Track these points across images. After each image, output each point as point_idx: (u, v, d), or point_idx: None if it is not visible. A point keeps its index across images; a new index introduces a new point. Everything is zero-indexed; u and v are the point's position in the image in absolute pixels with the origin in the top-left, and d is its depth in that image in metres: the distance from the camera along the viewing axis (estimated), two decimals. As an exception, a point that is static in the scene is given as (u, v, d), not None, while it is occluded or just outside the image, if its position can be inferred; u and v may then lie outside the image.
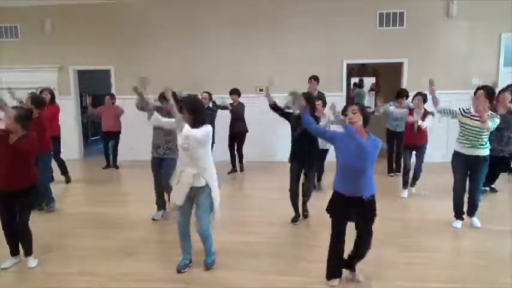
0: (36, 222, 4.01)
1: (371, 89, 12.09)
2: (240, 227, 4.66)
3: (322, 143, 5.86)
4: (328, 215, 3.21)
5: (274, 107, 4.88)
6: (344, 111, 3.14)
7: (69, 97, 8.99)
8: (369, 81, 11.66)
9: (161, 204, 4.98)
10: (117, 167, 8.13)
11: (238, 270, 3.57)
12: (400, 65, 8.12)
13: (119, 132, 8.14)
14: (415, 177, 5.84)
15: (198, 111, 3.39)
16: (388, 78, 9.57)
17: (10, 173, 3.49)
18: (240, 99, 7.55)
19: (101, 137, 8.24)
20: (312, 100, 4.56)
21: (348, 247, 3.24)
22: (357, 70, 9.98)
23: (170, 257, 3.74)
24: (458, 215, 4.53)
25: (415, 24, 7.83)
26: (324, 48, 8.11)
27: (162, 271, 3.57)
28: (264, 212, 5.19)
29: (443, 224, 4.57)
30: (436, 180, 6.17)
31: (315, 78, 6.82)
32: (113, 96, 8.18)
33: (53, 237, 4.41)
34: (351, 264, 3.31)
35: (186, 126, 3.30)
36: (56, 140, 6.36)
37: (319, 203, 4.77)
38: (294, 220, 4.73)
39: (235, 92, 7.37)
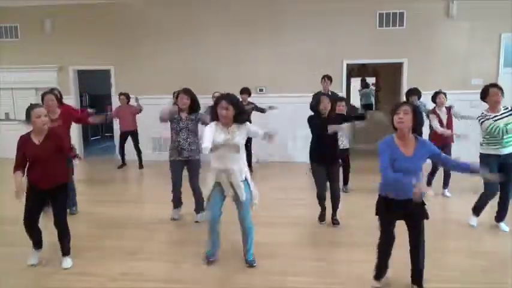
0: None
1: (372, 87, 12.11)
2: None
3: (342, 142, 5.65)
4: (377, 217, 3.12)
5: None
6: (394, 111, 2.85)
7: (69, 97, 8.97)
8: (368, 81, 11.68)
9: (178, 203, 4.91)
10: (141, 167, 8.09)
11: (242, 270, 3.57)
12: (400, 65, 8.13)
13: (136, 131, 8.08)
14: (448, 178, 5.66)
15: (241, 110, 3.46)
16: (388, 79, 9.58)
17: (54, 169, 3.50)
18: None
19: (119, 138, 8.20)
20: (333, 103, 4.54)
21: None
22: (357, 70, 9.99)
23: (170, 257, 3.74)
24: (478, 213, 4.44)
25: (415, 24, 7.84)
26: (324, 48, 8.11)
27: (162, 271, 3.57)
28: (270, 212, 5.17)
29: (443, 225, 4.57)
30: (437, 181, 6.14)
31: (328, 78, 6.77)
32: (127, 96, 8.14)
33: (53, 237, 4.40)
34: (415, 281, 3.12)
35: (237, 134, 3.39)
36: None
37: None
38: (321, 218, 4.65)
39: (245, 92, 7.28)
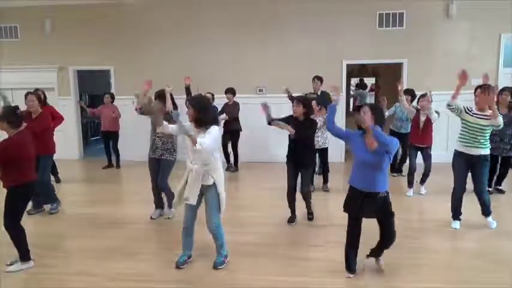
0: (36, 222, 4.01)
1: (370, 90, 12.12)
2: (240, 227, 4.66)
3: (322, 142, 5.89)
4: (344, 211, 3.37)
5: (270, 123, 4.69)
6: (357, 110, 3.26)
7: (69, 97, 9.00)
8: (368, 81, 11.68)
9: (159, 203, 5.02)
10: (118, 167, 8.17)
11: (238, 270, 3.57)
12: (400, 65, 8.13)
13: (117, 132, 8.15)
14: (425, 176, 5.83)
15: (203, 110, 3.38)
16: (387, 79, 9.58)
17: None
18: (240, 100, 7.56)
19: (101, 137, 8.27)
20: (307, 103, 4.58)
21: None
22: (356, 70, 9.99)
23: (170, 257, 3.74)
24: (456, 215, 4.52)
25: (415, 24, 7.84)
26: (324, 49, 8.11)
27: (162, 271, 3.57)
28: (264, 212, 5.19)
29: (444, 225, 4.57)
30: (438, 181, 6.15)
31: (318, 78, 6.88)
32: (111, 96, 8.18)
33: (52, 237, 4.41)
34: (375, 254, 3.45)
35: (197, 138, 3.27)
36: None
37: (322, 203, 4.79)
38: (290, 221, 4.73)
39: (230, 91, 7.43)
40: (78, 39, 8.70)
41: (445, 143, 7.54)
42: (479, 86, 4.38)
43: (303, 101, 4.51)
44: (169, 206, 4.93)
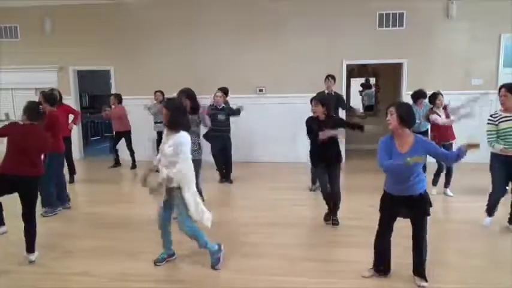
0: (36, 222, 4.01)
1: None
2: (241, 228, 4.66)
3: None
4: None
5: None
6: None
7: (69, 97, 8.98)
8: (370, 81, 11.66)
9: None
10: (134, 167, 8.15)
11: (239, 270, 3.57)
12: (400, 65, 8.13)
13: (129, 131, 8.11)
14: (450, 177, 5.68)
15: (176, 113, 3.40)
16: (387, 79, 9.58)
17: None
18: (240, 100, 7.55)
19: (114, 138, 8.41)
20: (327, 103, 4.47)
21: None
22: (356, 70, 9.98)
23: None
24: (491, 213, 4.42)
25: (415, 24, 7.84)
26: (324, 49, 8.11)
27: (162, 271, 3.57)
28: (265, 212, 5.19)
29: (444, 225, 4.58)
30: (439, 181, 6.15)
31: (332, 77, 6.71)
32: (116, 97, 8.15)
33: (53, 237, 4.41)
34: (416, 272, 3.25)
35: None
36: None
37: (322, 203, 4.78)
38: (327, 218, 4.65)
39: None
40: (78, 39, 8.70)
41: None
42: (504, 86, 4.17)
43: (321, 100, 4.43)
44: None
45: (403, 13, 7.88)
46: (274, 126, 8.28)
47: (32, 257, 3.74)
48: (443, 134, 5.53)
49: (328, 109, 4.43)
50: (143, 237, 4.40)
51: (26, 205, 3.73)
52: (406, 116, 2.99)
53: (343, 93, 8.23)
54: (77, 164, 7.26)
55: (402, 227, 3.23)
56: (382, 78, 10.02)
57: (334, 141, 4.46)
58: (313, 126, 4.40)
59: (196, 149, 4.65)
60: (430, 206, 3.13)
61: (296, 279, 3.40)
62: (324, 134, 4.26)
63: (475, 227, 4.47)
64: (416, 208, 3.09)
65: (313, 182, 6.03)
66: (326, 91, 6.64)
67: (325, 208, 4.72)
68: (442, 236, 4.29)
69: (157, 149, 4.07)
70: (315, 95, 4.69)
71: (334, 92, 6.75)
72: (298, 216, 4.94)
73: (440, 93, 5.65)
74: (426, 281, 3.17)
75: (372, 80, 10.56)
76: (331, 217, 4.64)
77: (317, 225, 4.66)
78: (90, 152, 9.94)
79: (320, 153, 4.47)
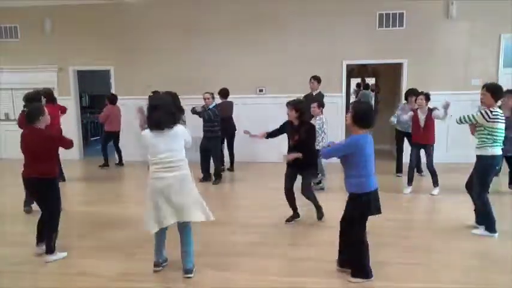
0: (35, 222, 4.01)
1: (371, 90, 12.09)
2: (240, 228, 4.66)
3: (318, 143, 5.77)
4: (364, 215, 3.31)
5: (271, 135, 4.96)
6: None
7: (69, 97, 8.99)
8: (368, 81, 11.67)
9: None
10: (122, 164, 8.37)
11: (238, 270, 3.57)
12: (400, 65, 8.13)
13: (118, 132, 8.31)
14: (433, 177, 5.76)
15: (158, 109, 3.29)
16: (387, 79, 9.58)
17: None
18: (240, 100, 7.57)
19: (104, 138, 8.57)
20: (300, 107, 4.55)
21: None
22: (356, 70, 9.98)
23: (170, 257, 3.74)
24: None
25: (415, 24, 7.84)
26: (324, 49, 8.11)
27: (162, 271, 3.57)
28: (264, 212, 5.19)
29: (443, 224, 4.58)
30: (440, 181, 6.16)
31: (314, 78, 6.84)
32: (108, 98, 8.30)
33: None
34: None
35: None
36: None
37: (322, 204, 4.79)
38: (288, 220, 4.72)
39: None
40: (78, 39, 8.70)
41: (444, 143, 7.52)
42: (485, 85, 4.23)
43: (295, 105, 4.49)
44: None
45: (403, 13, 7.87)
46: (274, 126, 8.25)
47: (49, 258, 3.77)
48: (421, 134, 5.77)
49: (301, 115, 4.50)
50: (143, 237, 4.39)
51: (39, 206, 3.91)
52: (359, 116, 3.15)
53: (343, 94, 8.25)
54: (76, 164, 7.27)
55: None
56: (382, 78, 10.02)
57: (307, 147, 4.52)
58: (286, 129, 4.60)
59: None
60: (355, 208, 3.26)
61: (296, 279, 3.40)
62: (288, 157, 4.52)
63: (475, 226, 4.47)
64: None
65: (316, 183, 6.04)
66: (314, 93, 6.70)
67: (325, 208, 4.73)
68: (441, 237, 4.29)
69: None
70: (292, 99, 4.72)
71: (316, 94, 6.76)
72: (299, 217, 4.93)
73: (424, 94, 5.77)
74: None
75: (371, 80, 10.56)
76: (292, 218, 4.73)
77: (317, 225, 4.66)
78: (90, 152, 9.94)
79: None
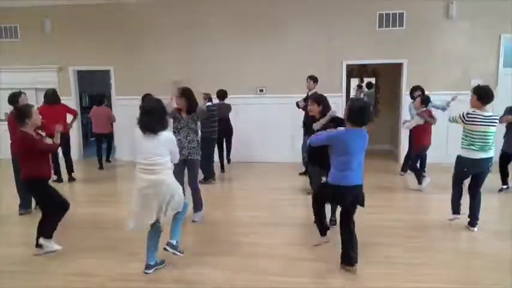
0: (35, 222, 4.02)
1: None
2: (241, 228, 4.66)
3: None
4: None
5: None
6: None
7: (69, 97, 8.98)
8: (368, 81, 11.62)
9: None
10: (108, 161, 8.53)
11: (238, 270, 3.57)
12: (400, 65, 8.13)
13: (109, 134, 8.42)
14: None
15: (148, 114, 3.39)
16: (387, 79, 9.58)
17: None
18: (240, 100, 7.56)
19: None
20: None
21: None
22: (356, 71, 9.97)
23: (170, 257, 3.74)
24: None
25: (415, 24, 7.84)
26: (324, 49, 8.11)
27: (162, 271, 3.57)
28: (264, 212, 5.19)
29: (444, 225, 4.57)
30: (438, 181, 6.16)
31: (311, 78, 6.82)
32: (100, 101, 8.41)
33: (52, 237, 4.40)
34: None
35: None
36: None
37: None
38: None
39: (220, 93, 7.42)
40: (78, 39, 8.70)
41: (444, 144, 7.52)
42: (473, 88, 4.43)
43: (317, 99, 4.46)
44: (196, 209, 4.78)
45: (403, 13, 7.87)
46: (274, 127, 8.28)
47: (43, 247, 3.85)
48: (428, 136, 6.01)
49: (324, 109, 4.41)
50: (143, 237, 4.38)
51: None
52: (351, 113, 3.30)
53: (343, 94, 8.25)
54: (76, 164, 7.26)
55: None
56: (382, 78, 10.02)
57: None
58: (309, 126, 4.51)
59: (195, 147, 4.66)
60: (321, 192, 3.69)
61: (295, 279, 3.40)
62: (315, 126, 4.35)
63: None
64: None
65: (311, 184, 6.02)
66: (309, 93, 6.71)
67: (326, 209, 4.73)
68: (441, 237, 4.29)
69: None
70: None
71: (312, 94, 6.71)
72: (298, 216, 4.94)
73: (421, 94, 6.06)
74: None
75: (370, 80, 10.52)
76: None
77: (315, 225, 4.65)
78: (90, 152, 9.93)
79: (317, 156, 4.38)
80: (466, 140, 4.22)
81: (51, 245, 3.85)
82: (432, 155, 6.59)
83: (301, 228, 4.62)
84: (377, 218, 4.64)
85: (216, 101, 7.26)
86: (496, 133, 4.25)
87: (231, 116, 7.45)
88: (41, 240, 3.83)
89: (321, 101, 4.45)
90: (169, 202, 3.39)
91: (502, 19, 7.53)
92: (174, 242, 3.54)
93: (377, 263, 3.58)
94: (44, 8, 8.71)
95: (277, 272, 3.53)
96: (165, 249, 3.51)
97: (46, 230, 3.86)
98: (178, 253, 3.56)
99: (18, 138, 3.81)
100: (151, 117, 3.34)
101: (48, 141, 3.98)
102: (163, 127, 3.39)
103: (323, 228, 3.87)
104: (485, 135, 4.14)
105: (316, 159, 4.50)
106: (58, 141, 4.07)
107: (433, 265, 3.59)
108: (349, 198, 3.37)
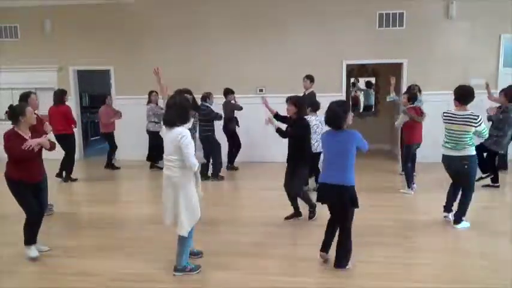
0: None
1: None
2: (240, 227, 4.66)
3: (314, 147, 5.74)
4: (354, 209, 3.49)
5: (278, 116, 5.07)
6: None
7: (69, 97, 8.96)
8: (367, 81, 11.62)
9: None
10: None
11: (238, 270, 3.57)
12: (400, 65, 8.13)
13: (110, 134, 8.23)
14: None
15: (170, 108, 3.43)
16: (387, 79, 9.56)
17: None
18: (240, 100, 7.56)
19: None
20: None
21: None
22: (356, 70, 9.97)
23: (170, 257, 3.74)
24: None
25: (415, 24, 7.84)
26: (324, 49, 8.12)
27: (162, 271, 3.57)
28: (264, 212, 5.19)
29: (444, 225, 4.57)
30: (434, 180, 6.17)
31: (307, 77, 6.83)
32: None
33: (52, 237, 4.41)
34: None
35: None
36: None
37: (318, 204, 4.79)
38: (287, 217, 4.78)
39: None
40: (78, 39, 8.70)
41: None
42: None
43: (294, 101, 4.56)
44: None
45: (403, 13, 7.88)
46: (274, 126, 8.26)
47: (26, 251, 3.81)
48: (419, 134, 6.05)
49: (299, 111, 4.55)
50: (143, 237, 4.40)
51: None
52: (328, 117, 3.46)
53: (343, 93, 8.24)
54: (76, 164, 7.26)
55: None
56: (382, 78, 10.01)
57: (299, 144, 4.58)
58: (287, 123, 4.71)
59: None
60: None
61: (295, 279, 3.40)
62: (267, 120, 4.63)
63: (475, 227, 4.47)
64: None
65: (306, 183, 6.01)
66: (306, 92, 6.70)
67: (324, 207, 4.73)
68: (442, 237, 4.30)
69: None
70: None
71: (309, 93, 6.71)
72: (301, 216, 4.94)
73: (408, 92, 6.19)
74: None
75: (371, 80, 10.53)
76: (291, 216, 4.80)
77: (316, 225, 4.65)
78: (90, 152, 9.94)
79: (288, 153, 4.69)
80: (445, 138, 4.41)
81: (28, 251, 3.80)
82: (433, 154, 6.57)
83: (302, 228, 4.62)
84: (377, 218, 4.65)
85: (218, 100, 7.35)
86: (471, 133, 4.23)
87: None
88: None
89: (299, 104, 4.56)
90: (177, 204, 3.32)
91: (502, 19, 7.53)
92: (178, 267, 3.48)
93: (377, 263, 3.58)
94: (44, 8, 8.72)
95: (277, 272, 3.53)
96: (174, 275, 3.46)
97: (24, 235, 3.81)
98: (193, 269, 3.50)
99: (5, 135, 3.68)
100: (170, 111, 3.38)
101: (33, 142, 3.61)
102: (182, 121, 3.33)
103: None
104: (454, 133, 4.28)
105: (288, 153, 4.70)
106: (44, 145, 3.75)
107: (433, 265, 3.60)
108: (330, 196, 3.49)
